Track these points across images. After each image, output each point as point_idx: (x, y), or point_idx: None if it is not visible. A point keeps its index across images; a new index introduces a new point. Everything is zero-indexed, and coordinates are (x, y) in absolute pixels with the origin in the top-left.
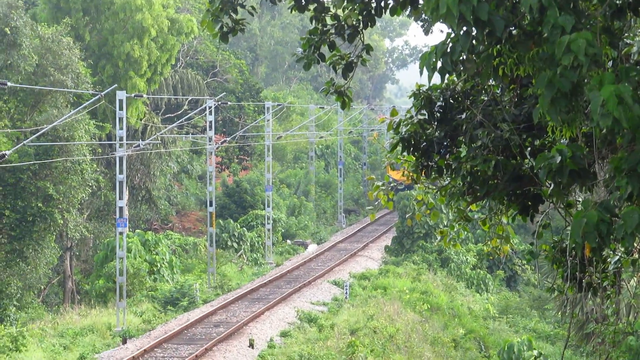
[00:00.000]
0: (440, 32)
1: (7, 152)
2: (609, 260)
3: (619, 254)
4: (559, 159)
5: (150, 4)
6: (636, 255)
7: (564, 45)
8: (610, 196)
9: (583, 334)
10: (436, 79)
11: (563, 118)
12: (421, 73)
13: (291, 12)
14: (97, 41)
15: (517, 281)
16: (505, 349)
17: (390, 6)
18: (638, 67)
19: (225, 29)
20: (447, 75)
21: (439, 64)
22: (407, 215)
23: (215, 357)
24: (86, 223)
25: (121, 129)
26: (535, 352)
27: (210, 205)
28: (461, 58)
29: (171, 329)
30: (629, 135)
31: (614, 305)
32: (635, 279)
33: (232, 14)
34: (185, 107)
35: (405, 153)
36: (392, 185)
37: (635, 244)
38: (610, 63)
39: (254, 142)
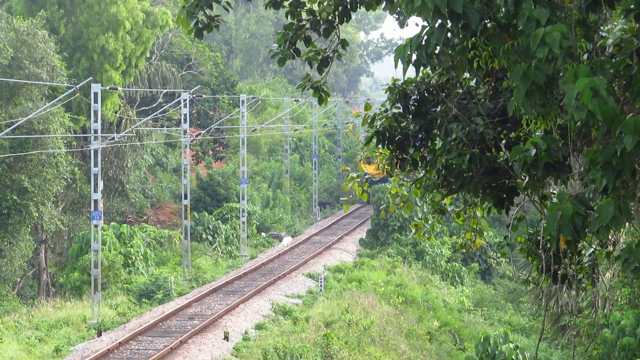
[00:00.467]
0: (415, 25)
1: None
2: (583, 252)
3: (594, 247)
4: (533, 151)
5: None
6: (611, 248)
7: (538, 38)
8: (585, 189)
9: (558, 326)
10: (411, 72)
11: (538, 111)
12: (396, 66)
13: (266, 8)
14: (72, 34)
15: (492, 274)
16: (482, 341)
17: (365, 1)
18: (613, 59)
19: (200, 25)
20: (422, 69)
21: (414, 57)
22: (381, 207)
23: (190, 349)
24: (61, 216)
25: (96, 121)
26: (512, 345)
27: (185, 198)
28: (436, 51)
29: (146, 322)
30: (604, 128)
31: (589, 298)
32: (611, 271)
33: (207, 10)
34: (160, 100)
35: (380, 146)
36: (366, 177)
37: (610, 237)
38: (585, 56)
39: (228, 135)
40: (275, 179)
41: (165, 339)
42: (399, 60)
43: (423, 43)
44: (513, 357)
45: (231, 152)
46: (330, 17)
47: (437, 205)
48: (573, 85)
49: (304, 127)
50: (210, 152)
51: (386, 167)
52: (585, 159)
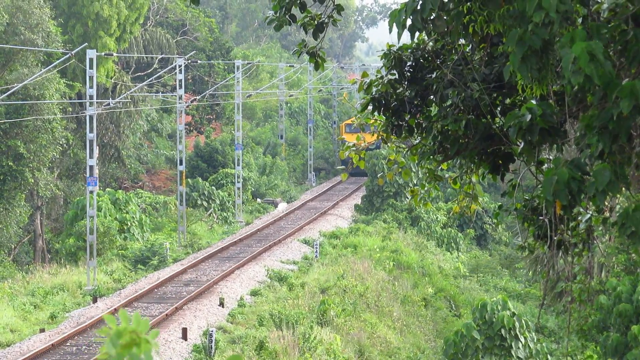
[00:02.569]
0: None
1: None
2: (580, 218)
3: (590, 212)
4: (529, 117)
5: None
6: (607, 214)
7: (535, 3)
8: (581, 154)
9: (555, 293)
10: (406, 38)
11: (534, 76)
12: (390, 30)
13: None
14: (67, 0)
15: (488, 240)
16: (479, 307)
17: None
18: (608, 24)
19: None
20: (417, 34)
21: (409, 22)
22: (378, 175)
23: (185, 315)
24: (57, 182)
25: (91, 87)
26: (508, 313)
27: (181, 163)
28: (431, 16)
29: (141, 288)
30: (600, 92)
31: (582, 264)
32: (607, 237)
33: None
34: (156, 65)
35: (376, 113)
36: (363, 145)
37: (606, 202)
38: (580, 20)
39: (223, 101)
40: (271, 145)
41: (161, 305)
42: (394, 24)
43: (418, 7)
44: (510, 324)
45: (226, 119)
46: None
47: (433, 171)
48: (570, 49)
49: (298, 93)
50: (206, 119)
51: (382, 133)
52: (581, 124)
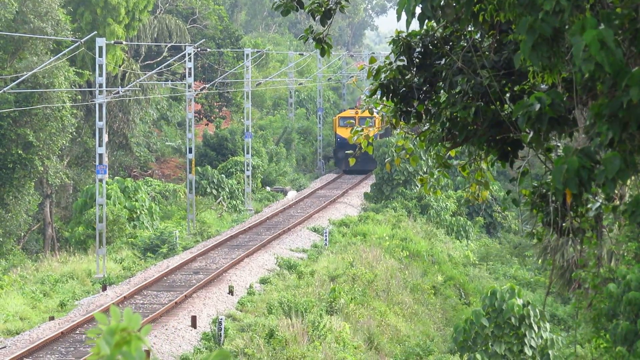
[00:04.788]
0: None
1: None
2: (589, 206)
3: (599, 200)
4: (537, 106)
5: None
6: (617, 202)
7: None
8: (590, 142)
9: (565, 280)
10: (414, 25)
11: (545, 63)
12: (399, 18)
13: None
14: None
15: (497, 228)
16: (488, 295)
17: None
18: (618, 11)
19: None
20: (426, 21)
21: (418, 10)
22: (386, 161)
23: (195, 303)
24: (66, 170)
25: (101, 75)
26: (519, 301)
27: (190, 152)
28: (441, 3)
29: (151, 276)
30: (610, 80)
31: (592, 251)
32: (617, 225)
33: None
34: (165, 53)
35: (384, 98)
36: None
37: (616, 190)
38: (588, 7)
39: (233, 90)
40: (285, 134)
41: (170, 293)
42: (402, 12)
43: None
44: (524, 312)
45: (234, 109)
46: None
47: (442, 159)
48: (580, 37)
49: (308, 81)
50: (216, 107)
51: (391, 119)
52: (590, 113)
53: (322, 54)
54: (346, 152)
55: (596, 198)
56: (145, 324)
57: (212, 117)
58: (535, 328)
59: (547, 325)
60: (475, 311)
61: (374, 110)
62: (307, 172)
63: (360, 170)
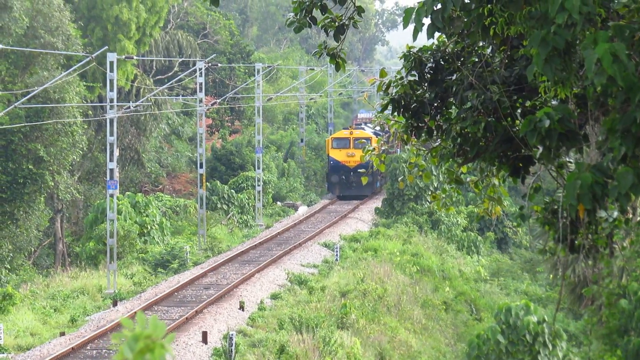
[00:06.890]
0: None
1: None
2: (601, 218)
3: (611, 216)
4: (547, 122)
5: None
6: (630, 216)
7: (557, 4)
8: (603, 158)
9: (575, 296)
10: (422, 39)
11: (558, 76)
12: (405, 27)
13: None
14: (86, 3)
15: (508, 243)
16: (503, 311)
17: None
18: (633, 25)
19: None
20: (436, 34)
21: (428, 21)
22: (399, 178)
23: (205, 319)
24: (77, 185)
25: (112, 90)
26: (534, 318)
27: (201, 167)
28: (452, 16)
29: (162, 291)
30: (622, 95)
31: (604, 268)
32: (628, 240)
33: None
34: (176, 68)
35: (395, 114)
36: (383, 149)
37: (629, 205)
38: (599, 20)
39: (244, 104)
40: (290, 149)
41: (181, 308)
42: (409, 22)
43: (439, 6)
44: (539, 330)
45: (246, 122)
46: None
47: (453, 174)
48: (593, 51)
49: (319, 96)
50: (227, 120)
51: (402, 135)
52: (603, 128)
53: (337, 69)
54: (359, 170)
55: (607, 212)
56: None
57: (218, 129)
58: (550, 346)
59: (564, 344)
60: (492, 327)
61: (385, 125)
62: (319, 188)
63: (355, 195)
